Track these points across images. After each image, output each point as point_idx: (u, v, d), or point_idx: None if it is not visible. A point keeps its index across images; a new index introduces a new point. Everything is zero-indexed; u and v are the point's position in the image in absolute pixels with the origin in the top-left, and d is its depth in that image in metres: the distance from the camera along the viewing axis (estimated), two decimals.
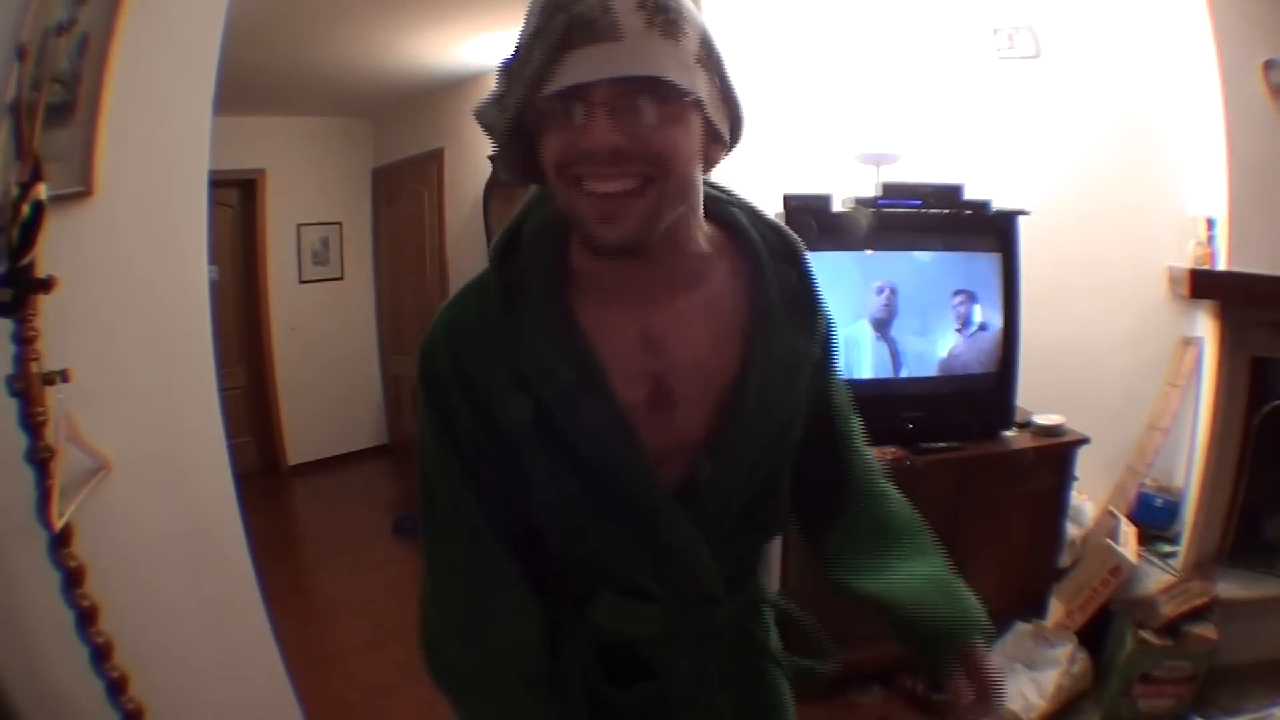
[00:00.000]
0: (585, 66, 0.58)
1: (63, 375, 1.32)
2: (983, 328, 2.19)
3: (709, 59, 0.64)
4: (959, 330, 2.19)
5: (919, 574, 0.82)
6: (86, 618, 1.36)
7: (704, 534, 0.74)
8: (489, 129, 0.67)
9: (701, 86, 0.63)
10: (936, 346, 2.19)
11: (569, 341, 0.69)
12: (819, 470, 0.86)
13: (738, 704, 0.85)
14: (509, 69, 0.63)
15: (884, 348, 2.16)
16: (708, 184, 0.77)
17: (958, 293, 2.18)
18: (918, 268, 2.18)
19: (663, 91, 0.60)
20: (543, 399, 0.69)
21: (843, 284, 2.10)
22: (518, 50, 0.62)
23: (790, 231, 0.78)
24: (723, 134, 0.68)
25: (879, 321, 2.15)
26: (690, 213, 0.70)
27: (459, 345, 0.72)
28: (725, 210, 0.77)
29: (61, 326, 1.36)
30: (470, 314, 0.73)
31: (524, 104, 0.61)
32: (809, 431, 0.82)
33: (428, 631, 0.83)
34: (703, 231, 0.73)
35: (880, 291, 2.14)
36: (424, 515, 0.81)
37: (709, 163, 0.69)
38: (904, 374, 2.18)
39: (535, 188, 0.74)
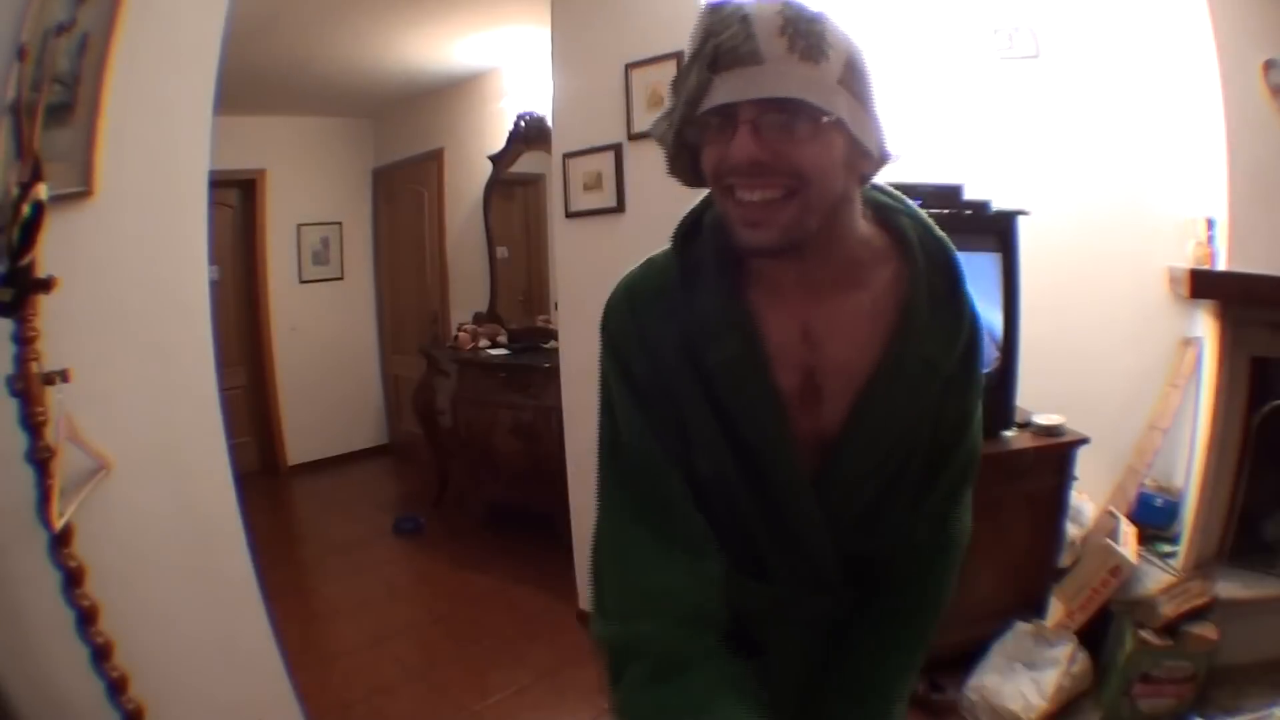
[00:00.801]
0: (730, 88, 0.65)
1: (63, 375, 1.32)
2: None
3: (854, 80, 0.68)
4: None
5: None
6: (86, 618, 1.36)
7: (830, 522, 0.80)
8: (660, 140, 0.75)
9: (843, 106, 0.67)
10: None
11: (737, 319, 0.76)
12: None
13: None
14: (675, 86, 0.71)
15: None
16: (882, 191, 0.83)
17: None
18: None
19: (801, 111, 0.65)
20: (707, 367, 0.76)
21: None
22: (681, 70, 0.70)
23: (950, 245, 0.81)
24: (869, 150, 0.71)
25: None
26: (845, 220, 0.74)
27: (640, 305, 0.80)
28: (894, 218, 0.80)
29: (61, 326, 1.36)
30: (652, 283, 0.80)
31: (684, 119, 0.70)
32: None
33: (603, 595, 0.82)
34: (865, 237, 0.78)
35: None
36: (604, 465, 0.84)
37: (861, 176, 0.74)
38: None
39: None
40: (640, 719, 0.73)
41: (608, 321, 0.83)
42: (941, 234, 0.82)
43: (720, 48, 0.65)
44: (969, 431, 0.86)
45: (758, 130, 0.66)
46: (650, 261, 0.83)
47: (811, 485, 0.78)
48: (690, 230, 0.81)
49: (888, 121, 0.72)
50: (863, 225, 0.78)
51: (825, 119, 0.66)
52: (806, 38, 0.65)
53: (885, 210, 0.81)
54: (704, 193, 0.80)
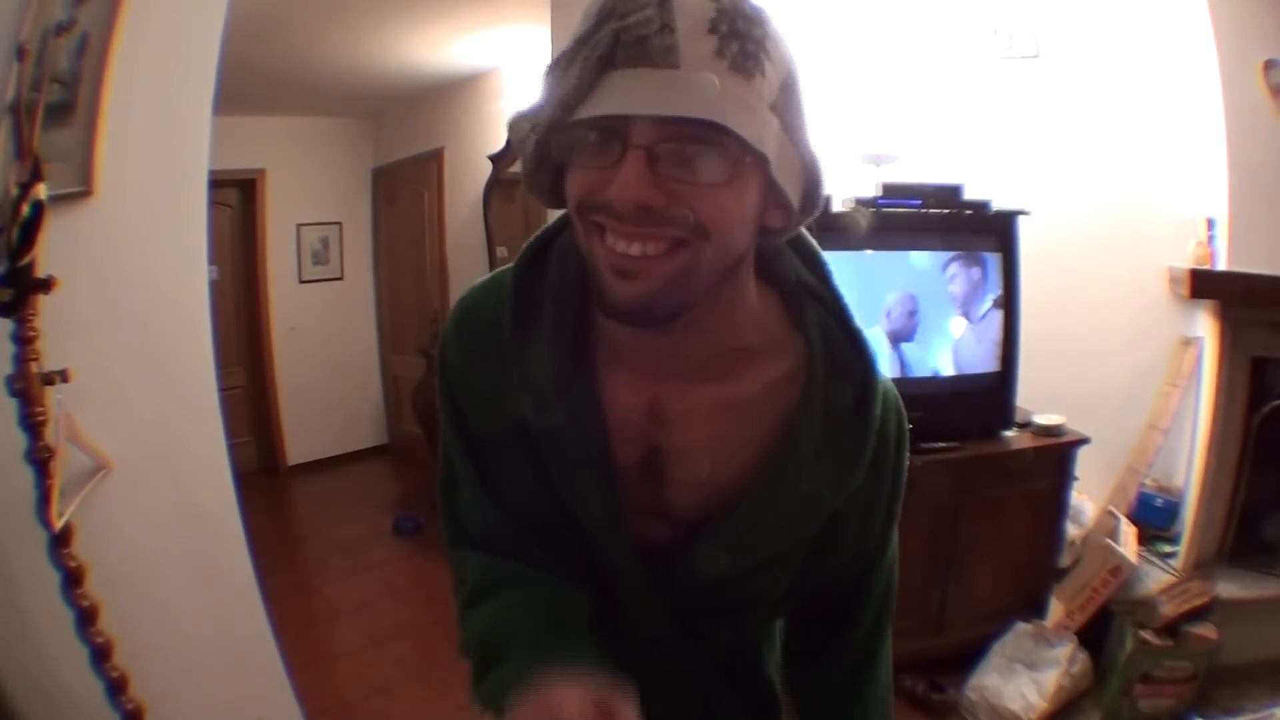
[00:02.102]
0: (627, 95, 0.47)
1: (63, 375, 1.32)
2: (994, 301, 2.17)
3: (787, 105, 0.52)
4: (965, 314, 2.18)
5: None
6: (86, 618, 1.36)
7: (670, 600, 0.66)
8: (518, 145, 0.56)
9: (771, 141, 0.50)
10: (937, 347, 2.19)
11: (570, 385, 0.60)
12: (821, 608, 0.75)
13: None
14: (550, 72, 0.52)
15: (895, 356, 2.15)
16: (801, 250, 0.66)
17: (952, 261, 2.15)
18: (918, 269, 2.18)
19: (719, 142, 0.48)
20: (532, 427, 0.61)
21: (842, 285, 2.09)
22: (560, 53, 0.51)
23: (866, 345, 0.63)
24: (788, 199, 0.54)
25: (895, 333, 2.14)
26: (732, 293, 0.58)
27: (471, 337, 0.66)
28: (802, 301, 0.64)
29: (61, 326, 1.36)
30: (487, 312, 0.65)
31: (553, 124, 0.51)
32: (824, 575, 0.70)
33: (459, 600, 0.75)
34: (755, 315, 0.62)
35: (900, 303, 2.12)
36: (441, 496, 0.74)
37: (766, 232, 0.57)
38: (904, 374, 2.18)
39: None
40: (466, 642, 0.69)
41: (441, 348, 0.68)
42: (857, 328, 0.64)
43: (622, 35, 0.47)
44: (881, 560, 0.72)
45: (653, 161, 0.48)
46: (496, 280, 0.66)
47: (647, 556, 0.64)
48: (537, 255, 0.64)
49: (819, 161, 0.55)
50: (753, 299, 0.61)
51: (747, 158, 0.49)
52: (743, 40, 0.48)
53: (790, 283, 0.64)
54: None
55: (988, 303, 2.18)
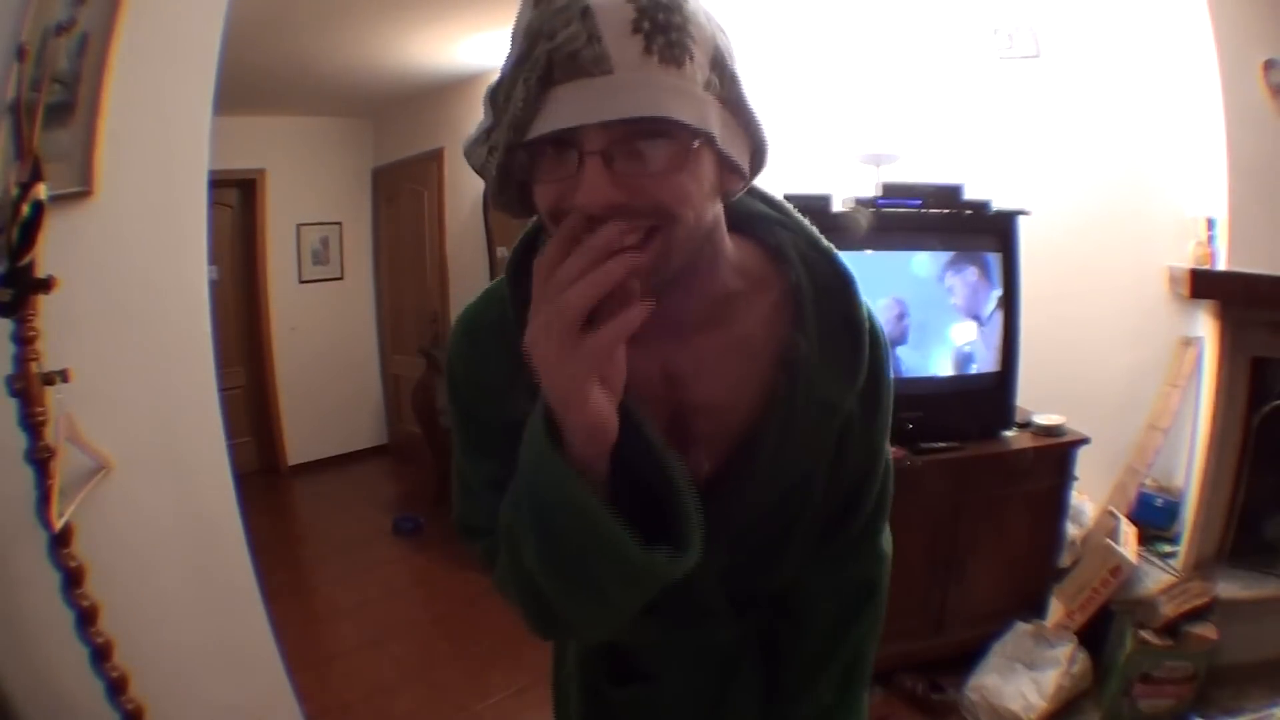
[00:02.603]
0: (571, 108, 0.50)
1: (63, 375, 1.32)
2: (998, 301, 2.17)
3: (722, 80, 0.55)
4: (971, 316, 2.18)
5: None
6: (86, 618, 1.36)
7: (714, 562, 0.67)
8: (480, 171, 0.60)
9: (713, 118, 0.54)
10: (936, 350, 2.19)
11: None
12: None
13: None
14: (494, 99, 0.56)
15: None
16: (759, 199, 0.71)
17: (946, 271, 2.14)
18: (918, 268, 2.18)
19: (666, 132, 0.51)
20: None
21: None
22: (501, 81, 0.55)
23: (838, 258, 0.69)
24: (740, 166, 0.59)
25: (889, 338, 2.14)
26: (711, 251, 0.63)
27: (480, 341, 0.69)
28: (770, 232, 0.69)
29: (61, 326, 1.36)
30: (491, 314, 0.69)
31: (509, 148, 0.54)
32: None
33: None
34: (736, 262, 0.66)
35: (887, 309, 2.11)
36: (456, 501, 0.77)
37: (727, 195, 0.62)
38: (905, 374, 2.18)
39: None
40: (503, 589, 0.69)
41: (449, 362, 0.72)
42: (828, 245, 0.69)
43: (555, 54, 0.50)
44: (879, 462, 0.77)
45: (610, 163, 0.51)
46: (488, 294, 0.71)
47: None
48: (526, 253, 0.68)
49: (760, 120, 0.59)
50: (731, 249, 0.66)
51: (695, 140, 0.53)
52: (666, 32, 0.50)
53: (759, 223, 0.69)
54: None
55: (993, 302, 2.18)
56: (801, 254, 0.68)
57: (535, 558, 0.59)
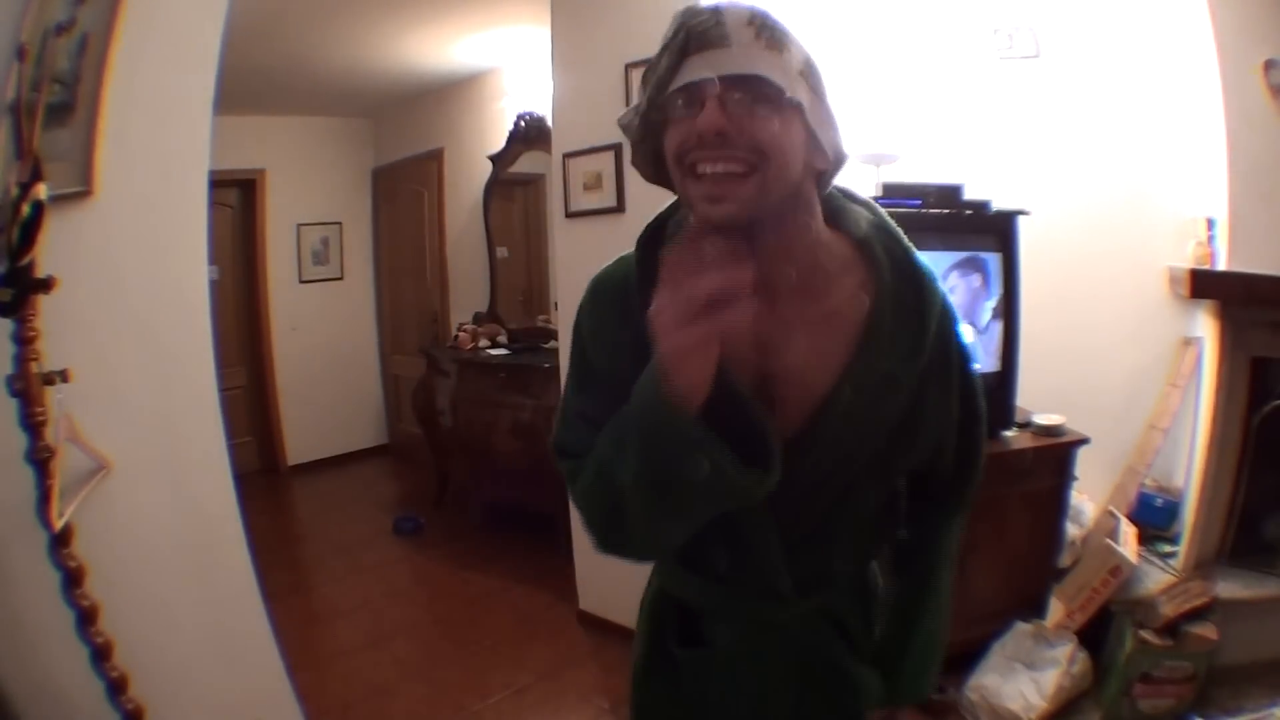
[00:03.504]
0: (700, 68, 0.68)
1: (63, 375, 1.32)
2: (995, 304, 2.18)
3: (811, 77, 0.72)
4: (970, 320, 2.18)
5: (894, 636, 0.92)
6: (86, 618, 1.36)
7: (780, 532, 0.81)
8: (625, 129, 0.77)
9: (802, 94, 0.70)
10: None
11: None
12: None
13: (795, 706, 0.89)
14: (644, 78, 0.73)
15: None
16: (846, 195, 0.83)
17: (951, 270, 2.14)
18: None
19: (763, 90, 0.67)
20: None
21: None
22: (651, 63, 0.72)
23: (910, 246, 0.81)
24: (824, 145, 0.73)
25: None
26: (803, 216, 0.75)
27: (602, 302, 0.82)
28: (855, 221, 0.80)
29: (61, 326, 1.36)
30: (617, 280, 0.81)
31: (652, 103, 0.72)
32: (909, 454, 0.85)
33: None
34: (827, 243, 0.78)
35: None
36: (557, 422, 0.88)
37: (817, 174, 0.75)
38: None
39: None
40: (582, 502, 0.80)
41: (579, 310, 0.86)
42: (901, 234, 0.82)
43: (691, 33, 0.69)
44: (955, 438, 0.87)
45: (723, 105, 0.67)
46: (620, 259, 0.84)
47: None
48: (653, 235, 0.82)
49: (843, 125, 0.75)
50: (824, 230, 0.78)
51: (787, 98, 0.68)
52: (771, 31, 0.69)
53: (846, 215, 0.81)
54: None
55: (988, 312, 2.18)
56: (886, 247, 0.79)
57: (634, 473, 0.70)
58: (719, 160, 0.68)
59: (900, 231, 0.82)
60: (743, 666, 0.88)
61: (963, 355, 0.86)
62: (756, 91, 0.68)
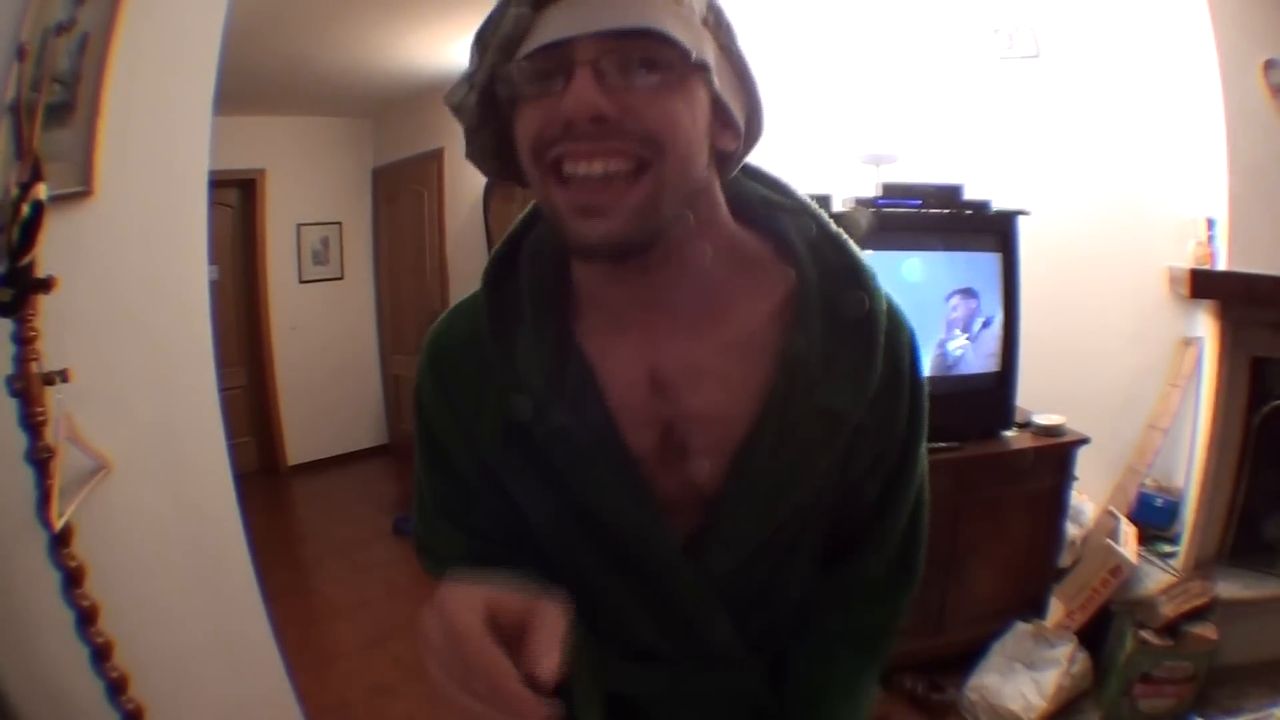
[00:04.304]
0: (566, 21, 0.48)
1: (63, 375, 1.32)
2: (986, 324, 2.18)
3: (718, 26, 0.54)
4: (964, 331, 2.18)
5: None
6: (86, 618, 1.36)
7: (720, 594, 0.65)
8: (457, 110, 0.56)
9: (709, 53, 0.52)
10: (928, 352, 2.19)
11: (567, 374, 0.59)
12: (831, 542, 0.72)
13: None
14: (479, 38, 0.53)
15: None
16: (760, 180, 0.65)
17: (954, 294, 2.16)
18: (909, 272, 2.17)
19: (659, 53, 0.49)
20: (536, 437, 0.59)
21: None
22: (487, 20, 0.53)
23: (853, 249, 0.62)
24: (735, 119, 0.55)
25: None
26: (703, 217, 0.56)
27: (445, 367, 0.65)
28: (776, 219, 0.62)
29: (61, 326, 1.36)
30: (461, 334, 0.64)
31: (494, 71, 0.52)
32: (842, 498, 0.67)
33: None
34: (735, 244, 0.61)
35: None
36: (416, 510, 0.74)
37: (722, 157, 0.57)
38: None
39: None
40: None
41: (417, 391, 0.69)
42: (837, 231, 0.63)
43: None
44: (904, 487, 0.69)
45: (600, 77, 0.48)
46: (458, 308, 0.66)
47: (688, 554, 0.62)
48: (502, 265, 0.64)
49: (761, 83, 0.56)
50: (731, 227, 0.60)
51: (689, 61, 0.49)
52: None
53: (760, 208, 0.63)
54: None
55: (977, 324, 2.19)
56: (808, 240, 0.61)
57: None
58: (596, 155, 0.49)
59: (826, 218, 0.63)
60: None
61: (915, 377, 0.66)
62: (648, 54, 0.49)
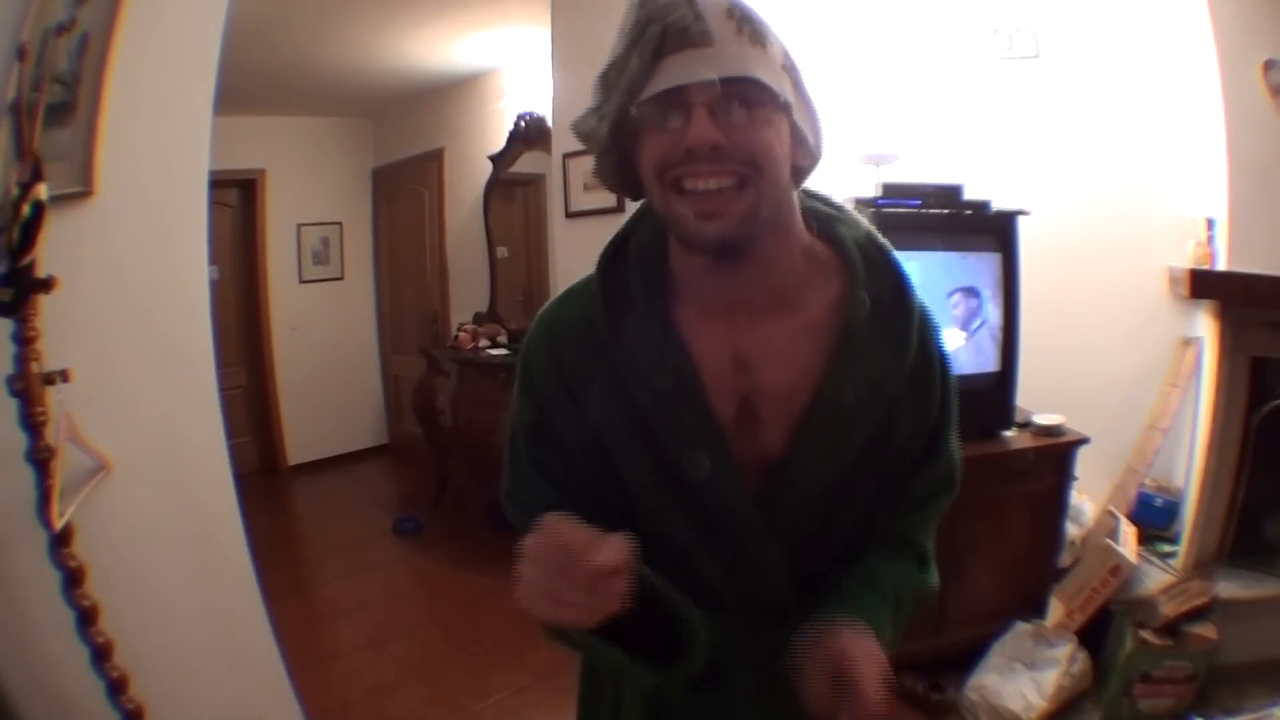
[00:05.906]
0: (682, 70, 0.62)
1: (63, 375, 1.32)
2: (984, 322, 2.18)
3: (793, 69, 0.68)
4: (963, 329, 2.18)
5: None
6: (86, 618, 1.36)
7: (779, 542, 0.75)
8: (586, 137, 0.70)
9: (788, 91, 0.66)
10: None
11: (668, 350, 0.71)
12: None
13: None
14: (605, 79, 0.67)
15: None
16: (817, 199, 0.79)
17: (955, 292, 2.16)
18: (918, 269, 2.18)
19: (754, 94, 0.63)
20: (639, 403, 0.71)
21: None
22: (613, 62, 0.66)
23: (892, 252, 0.77)
24: (809, 141, 0.70)
25: None
26: (785, 223, 0.71)
27: (560, 342, 0.75)
28: (832, 227, 0.76)
29: (61, 326, 1.36)
30: (575, 314, 0.76)
31: (622, 111, 0.65)
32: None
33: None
34: (806, 248, 0.74)
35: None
36: (507, 466, 0.81)
37: (797, 172, 0.71)
38: None
39: (645, 201, 0.75)
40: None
41: (526, 351, 0.78)
42: (883, 240, 0.78)
43: (667, 30, 0.62)
44: (938, 449, 0.80)
45: (712, 115, 0.62)
46: (569, 293, 0.78)
47: (758, 510, 0.74)
48: (615, 254, 0.77)
49: (822, 112, 0.71)
50: (803, 232, 0.74)
51: (777, 101, 0.64)
52: (752, 22, 0.65)
53: (823, 220, 0.77)
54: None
55: (976, 322, 2.19)
56: (858, 243, 0.75)
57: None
58: (712, 175, 0.63)
59: (874, 230, 0.78)
60: (755, 696, 0.80)
61: (943, 361, 0.79)
62: (746, 96, 0.63)
